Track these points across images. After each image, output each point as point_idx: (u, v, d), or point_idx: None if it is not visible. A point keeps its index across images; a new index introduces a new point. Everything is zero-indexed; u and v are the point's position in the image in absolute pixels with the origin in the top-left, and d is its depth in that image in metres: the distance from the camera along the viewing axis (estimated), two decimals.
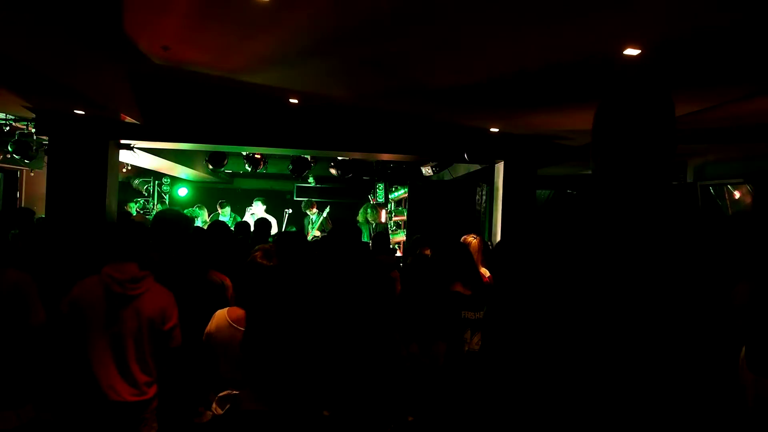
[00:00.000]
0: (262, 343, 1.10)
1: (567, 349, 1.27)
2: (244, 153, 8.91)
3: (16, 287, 2.78)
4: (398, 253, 8.21)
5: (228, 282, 3.27)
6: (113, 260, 2.73)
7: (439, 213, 7.84)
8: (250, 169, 9.17)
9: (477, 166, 8.13)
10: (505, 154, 7.23)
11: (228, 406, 2.08)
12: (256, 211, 9.83)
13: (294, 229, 10.30)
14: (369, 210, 9.82)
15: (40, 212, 6.87)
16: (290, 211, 10.88)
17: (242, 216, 10.23)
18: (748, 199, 6.50)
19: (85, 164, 6.45)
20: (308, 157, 9.08)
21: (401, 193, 9.69)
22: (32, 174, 8.93)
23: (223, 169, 9.35)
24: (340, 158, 9.07)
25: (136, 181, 11.86)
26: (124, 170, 10.18)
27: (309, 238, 9.68)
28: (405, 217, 8.72)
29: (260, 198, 10.17)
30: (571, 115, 5.36)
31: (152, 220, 4.32)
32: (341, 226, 3.64)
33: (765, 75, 3.88)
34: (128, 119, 6.24)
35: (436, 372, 3.34)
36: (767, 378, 2.50)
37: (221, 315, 2.50)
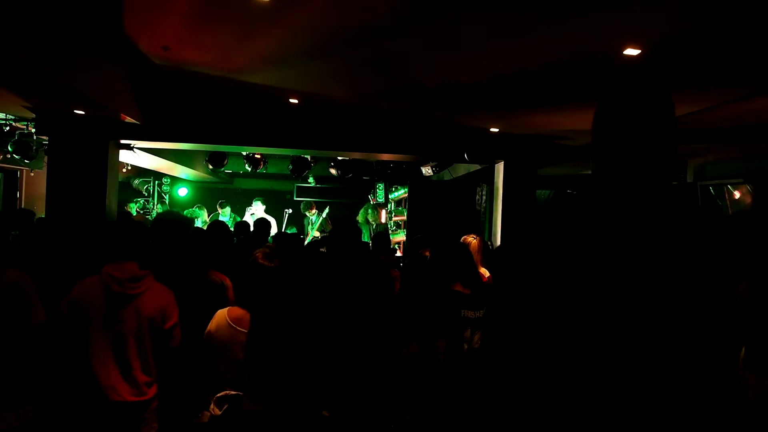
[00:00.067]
0: (267, 344, 1.10)
1: (567, 348, 1.27)
2: (244, 153, 8.91)
3: (16, 287, 2.78)
4: (398, 253, 8.21)
5: (228, 282, 3.27)
6: (113, 260, 2.73)
7: (439, 213, 7.84)
8: (250, 169, 9.16)
9: (477, 166, 8.13)
10: (505, 154, 7.22)
11: (226, 406, 2.08)
12: (256, 211, 9.83)
13: (294, 229, 10.31)
14: (369, 210, 9.82)
15: (40, 212, 6.87)
16: (290, 211, 10.88)
17: (242, 216, 10.23)
18: (748, 199, 6.50)
19: (85, 164, 6.44)
20: (308, 157, 9.07)
21: (401, 193, 9.68)
22: (32, 174, 8.93)
23: (223, 169, 9.34)
24: (340, 158, 9.06)
25: (136, 181, 11.86)
26: (124, 170, 10.18)
27: (309, 239, 9.68)
28: (405, 217, 8.72)
29: (260, 198, 10.19)
30: (571, 115, 5.36)
31: (152, 221, 4.33)
32: (341, 226, 3.64)
33: (765, 75, 3.88)
34: (128, 119, 6.24)
35: (436, 370, 3.34)
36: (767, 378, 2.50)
37: (221, 315, 2.50)
